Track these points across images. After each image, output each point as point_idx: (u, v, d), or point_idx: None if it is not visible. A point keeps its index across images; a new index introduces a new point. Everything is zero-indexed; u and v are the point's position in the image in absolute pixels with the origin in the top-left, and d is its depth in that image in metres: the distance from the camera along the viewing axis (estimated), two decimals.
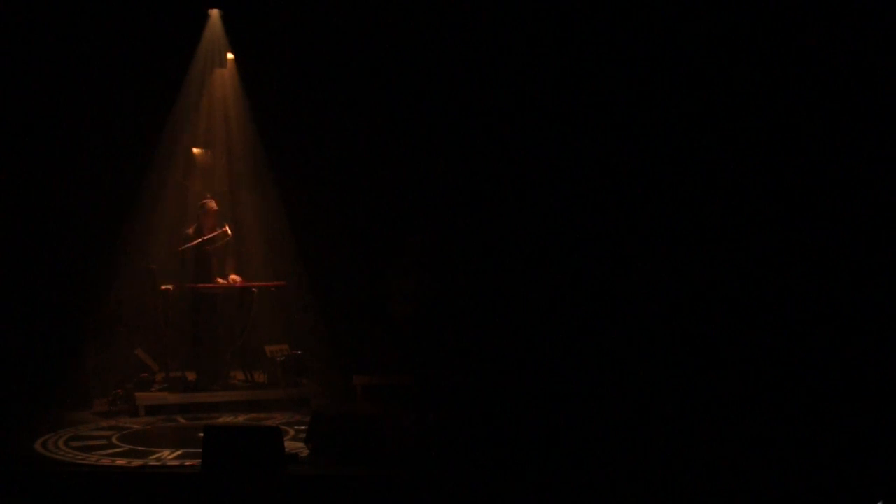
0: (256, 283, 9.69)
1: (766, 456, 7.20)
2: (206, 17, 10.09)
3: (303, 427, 7.90)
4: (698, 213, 8.90)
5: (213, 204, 9.56)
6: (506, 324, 9.30)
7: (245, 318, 9.59)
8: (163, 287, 9.33)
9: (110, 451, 7.53)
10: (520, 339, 9.11)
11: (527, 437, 7.10)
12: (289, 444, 7.36)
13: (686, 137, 8.94)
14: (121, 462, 7.16)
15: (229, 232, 9.55)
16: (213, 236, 9.41)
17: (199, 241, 9.37)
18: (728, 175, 8.76)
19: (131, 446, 7.68)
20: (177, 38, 9.91)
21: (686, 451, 7.33)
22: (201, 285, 9.36)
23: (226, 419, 8.84)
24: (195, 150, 10.71)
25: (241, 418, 8.89)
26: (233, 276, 9.50)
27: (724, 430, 7.94)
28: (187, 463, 7.03)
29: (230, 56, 10.42)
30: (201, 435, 6.84)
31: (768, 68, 8.58)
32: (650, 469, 6.84)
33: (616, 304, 8.89)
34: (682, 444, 7.52)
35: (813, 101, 8.42)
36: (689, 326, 8.67)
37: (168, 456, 7.32)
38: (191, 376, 9.46)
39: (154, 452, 7.43)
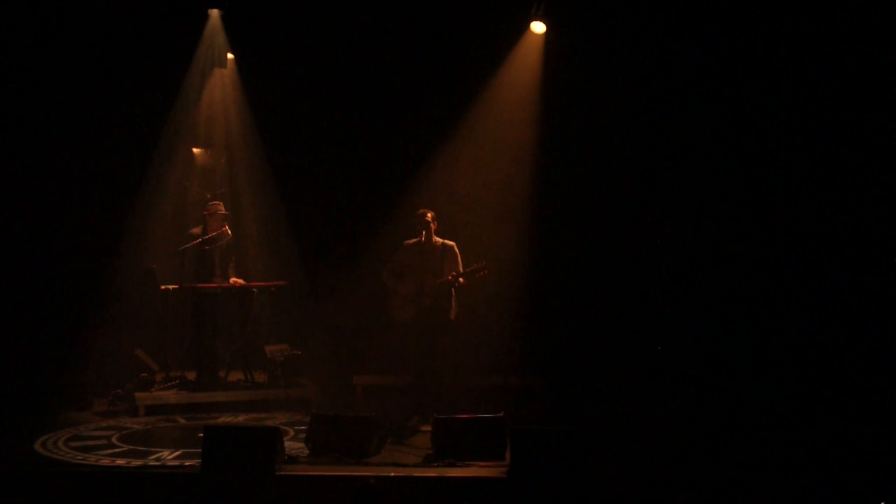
0: (256, 283, 9.69)
1: (767, 456, 7.21)
2: (206, 17, 10.08)
3: (303, 427, 7.90)
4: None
5: (221, 207, 9.53)
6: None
7: (245, 318, 9.59)
8: (163, 287, 9.32)
9: (110, 451, 7.52)
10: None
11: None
12: (289, 444, 7.36)
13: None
14: (121, 462, 7.16)
15: (229, 232, 9.53)
16: (213, 236, 9.39)
17: (198, 240, 9.36)
18: None
19: (131, 446, 7.68)
20: (177, 37, 9.91)
21: (684, 450, 7.35)
22: (201, 285, 9.36)
23: (226, 419, 8.84)
24: (195, 150, 10.71)
25: (241, 418, 8.89)
26: (234, 279, 9.49)
27: (724, 430, 7.96)
28: (187, 463, 7.03)
29: (230, 56, 10.41)
30: (201, 435, 6.84)
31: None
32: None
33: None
34: (683, 446, 7.53)
35: None
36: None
37: (168, 456, 7.32)
38: (191, 376, 9.46)
39: (154, 452, 7.43)
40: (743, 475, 6.65)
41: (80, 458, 7.27)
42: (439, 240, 8.48)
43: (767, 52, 9.22)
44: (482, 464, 6.82)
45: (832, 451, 7.19)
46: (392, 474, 6.57)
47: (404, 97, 10.09)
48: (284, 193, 10.35)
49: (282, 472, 6.60)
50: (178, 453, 7.39)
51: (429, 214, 8.47)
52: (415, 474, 6.65)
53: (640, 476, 6.61)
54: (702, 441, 7.59)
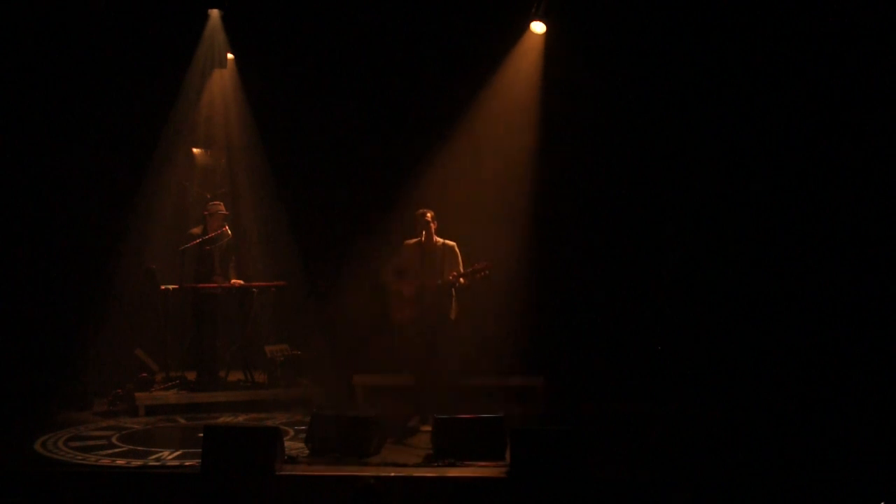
0: (256, 283, 9.69)
1: (767, 456, 7.21)
2: (206, 17, 10.08)
3: (303, 427, 7.90)
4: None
5: (222, 207, 9.53)
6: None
7: (245, 317, 9.59)
8: (163, 287, 9.32)
9: (110, 451, 7.52)
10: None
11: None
12: (289, 444, 7.36)
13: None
14: (121, 462, 7.16)
15: (229, 232, 9.54)
16: (213, 236, 9.40)
17: (198, 240, 9.36)
18: None
19: (131, 446, 7.68)
20: (177, 37, 9.91)
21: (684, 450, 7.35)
22: (201, 285, 9.36)
23: (226, 419, 8.84)
24: (195, 150, 10.71)
25: (241, 418, 8.89)
26: (234, 280, 9.49)
27: (724, 430, 7.96)
28: (187, 463, 7.02)
29: (230, 56, 10.41)
30: (201, 435, 6.84)
31: None
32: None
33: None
34: (683, 446, 7.53)
35: None
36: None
37: (168, 456, 7.32)
38: (191, 376, 9.46)
39: (154, 452, 7.42)
40: (743, 475, 6.65)
41: (80, 458, 7.26)
42: (440, 240, 8.47)
43: (768, 51, 9.23)
44: (482, 464, 6.82)
45: (832, 451, 7.19)
46: (392, 474, 6.57)
47: (404, 97, 10.09)
48: (284, 193, 10.35)
49: (282, 472, 6.60)
50: (178, 453, 7.39)
51: (429, 214, 8.45)
52: (415, 474, 6.65)
53: (640, 476, 6.61)
54: (702, 441, 7.59)
